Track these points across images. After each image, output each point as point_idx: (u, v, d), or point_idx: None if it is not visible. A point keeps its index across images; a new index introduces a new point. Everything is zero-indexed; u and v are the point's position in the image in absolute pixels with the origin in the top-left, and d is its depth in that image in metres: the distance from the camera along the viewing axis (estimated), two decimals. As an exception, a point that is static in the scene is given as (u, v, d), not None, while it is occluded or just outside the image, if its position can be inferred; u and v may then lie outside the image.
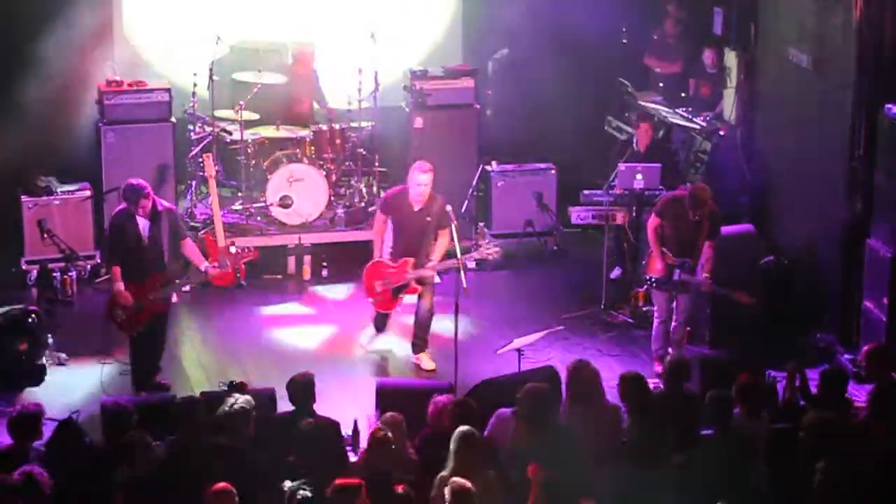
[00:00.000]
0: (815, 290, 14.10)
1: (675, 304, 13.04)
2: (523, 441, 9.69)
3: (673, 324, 13.03)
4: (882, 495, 9.11)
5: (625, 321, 14.04)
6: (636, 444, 9.88)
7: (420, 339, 13.17)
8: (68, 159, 15.40)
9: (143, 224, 12.17)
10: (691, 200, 12.80)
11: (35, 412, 9.89)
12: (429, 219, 12.88)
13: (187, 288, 13.39)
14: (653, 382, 12.49)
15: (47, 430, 9.95)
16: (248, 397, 9.84)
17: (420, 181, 12.87)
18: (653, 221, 13.10)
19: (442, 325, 12.79)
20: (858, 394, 11.23)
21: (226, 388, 10.42)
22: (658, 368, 12.85)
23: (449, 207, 12.81)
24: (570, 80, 16.61)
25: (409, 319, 13.33)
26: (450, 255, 12.80)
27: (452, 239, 12.67)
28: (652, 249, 13.04)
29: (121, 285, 12.15)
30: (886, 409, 9.98)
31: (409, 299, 13.23)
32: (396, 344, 13.52)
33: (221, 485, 8.76)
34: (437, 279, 13.29)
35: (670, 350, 12.84)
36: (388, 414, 9.85)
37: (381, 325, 13.53)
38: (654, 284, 13.03)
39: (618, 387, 10.37)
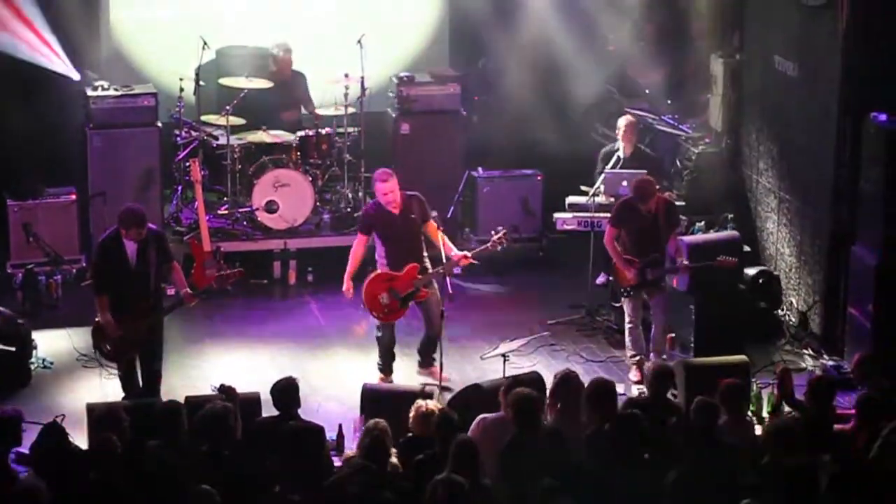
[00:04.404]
0: (800, 297, 14.15)
1: (651, 311, 12.99)
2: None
3: (653, 332, 12.97)
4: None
5: (609, 327, 14.01)
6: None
7: (429, 355, 12.83)
8: (54, 163, 15.38)
9: (130, 249, 11.63)
10: (637, 195, 12.76)
11: (13, 417, 9.84)
12: (413, 216, 12.70)
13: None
14: (637, 389, 12.56)
15: (31, 435, 9.94)
16: (226, 404, 9.85)
17: (386, 190, 12.61)
18: (609, 233, 12.97)
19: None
20: (843, 401, 11.26)
21: (217, 392, 10.43)
22: (635, 375, 12.83)
23: (423, 198, 12.79)
24: (557, 86, 16.66)
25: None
26: (435, 260, 12.76)
27: (438, 227, 12.68)
28: (615, 262, 12.98)
29: (108, 316, 11.64)
30: (871, 416, 10.01)
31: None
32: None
33: (202, 488, 8.76)
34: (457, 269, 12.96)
35: (651, 356, 12.82)
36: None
37: (389, 345, 12.87)
38: (630, 293, 12.93)
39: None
